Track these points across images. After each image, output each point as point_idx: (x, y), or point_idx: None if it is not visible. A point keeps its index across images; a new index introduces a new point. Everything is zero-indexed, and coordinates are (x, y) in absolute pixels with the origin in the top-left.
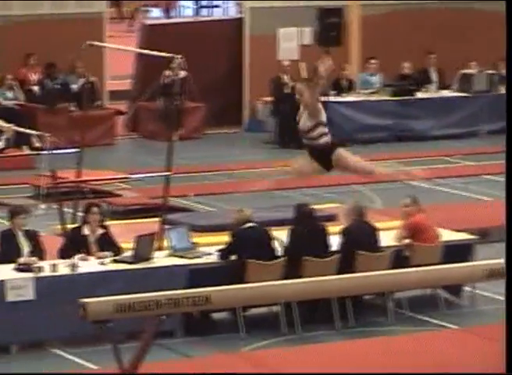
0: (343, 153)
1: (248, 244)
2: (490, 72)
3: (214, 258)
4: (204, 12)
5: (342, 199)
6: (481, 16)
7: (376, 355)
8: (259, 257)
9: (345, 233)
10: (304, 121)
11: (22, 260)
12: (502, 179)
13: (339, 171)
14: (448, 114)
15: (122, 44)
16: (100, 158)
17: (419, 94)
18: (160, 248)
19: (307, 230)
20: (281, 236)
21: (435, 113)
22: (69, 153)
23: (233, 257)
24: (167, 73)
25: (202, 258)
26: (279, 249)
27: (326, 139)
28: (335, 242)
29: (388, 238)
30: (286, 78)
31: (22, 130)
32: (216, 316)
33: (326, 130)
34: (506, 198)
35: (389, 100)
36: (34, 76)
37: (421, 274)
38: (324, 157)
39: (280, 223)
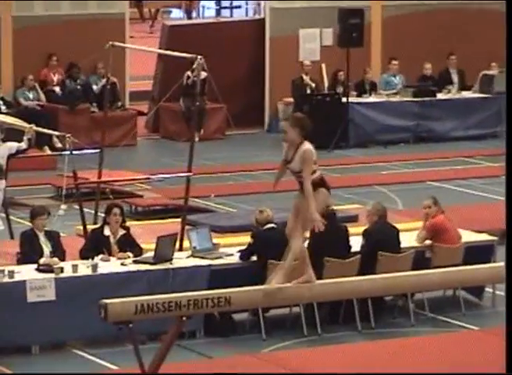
0: (321, 195)
1: (269, 245)
2: None
3: (235, 259)
4: (226, 12)
5: (363, 200)
6: (503, 17)
7: (397, 355)
8: (280, 258)
9: (366, 235)
10: (294, 164)
11: (42, 261)
12: None
13: None
14: (469, 115)
15: (143, 45)
16: (121, 158)
17: (440, 95)
18: (181, 249)
19: (328, 230)
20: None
21: (456, 114)
22: (90, 154)
23: (254, 258)
24: (188, 73)
25: (223, 258)
26: None
27: (316, 175)
28: (356, 243)
29: (409, 239)
30: (307, 79)
31: (43, 130)
32: (237, 316)
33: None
34: (506, 198)
35: (410, 101)
36: (56, 77)
37: (443, 275)
38: None
39: None
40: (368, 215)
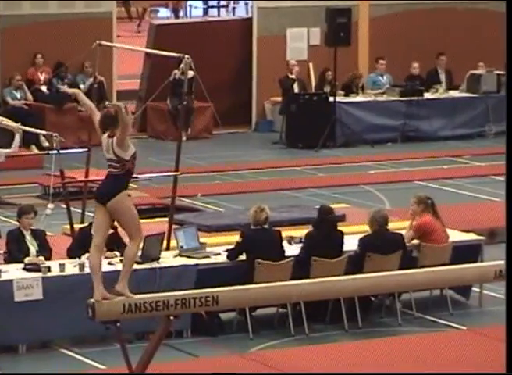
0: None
1: (257, 245)
2: (498, 72)
3: (222, 258)
4: (213, 12)
5: (350, 199)
6: (491, 16)
7: (384, 355)
8: (268, 258)
9: (359, 242)
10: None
11: (28, 260)
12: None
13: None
14: (456, 114)
15: (130, 44)
16: None
17: (427, 95)
18: (168, 248)
19: (325, 235)
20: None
21: (443, 114)
22: (78, 153)
23: (242, 257)
24: (175, 72)
25: (210, 258)
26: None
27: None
28: (345, 243)
29: None
30: (292, 76)
31: (30, 129)
32: (224, 316)
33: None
34: (506, 198)
35: (397, 100)
36: (43, 76)
37: (430, 275)
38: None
39: (289, 223)
40: (368, 223)
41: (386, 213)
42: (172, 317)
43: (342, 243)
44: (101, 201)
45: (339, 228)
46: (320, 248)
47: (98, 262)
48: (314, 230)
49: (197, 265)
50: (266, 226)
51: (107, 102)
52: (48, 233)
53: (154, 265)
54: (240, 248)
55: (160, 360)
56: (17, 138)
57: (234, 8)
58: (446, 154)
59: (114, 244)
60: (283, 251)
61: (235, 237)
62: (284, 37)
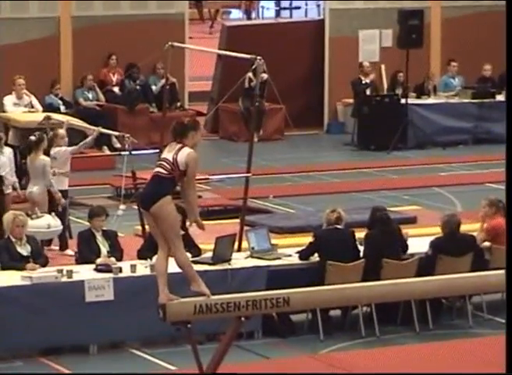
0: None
1: (330, 244)
2: None
3: (293, 259)
4: (285, 13)
5: (421, 201)
6: None
7: (455, 357)
8: (342, 257)
9: (433, 246)
10: None
11: (99, 261)
12: None
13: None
14: None
15: (202, 45)
16: None
17: (499, 97)
18: (239, 250)
19: (382, 233)
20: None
21: None
22: (149, 154)
23: (313, 258)
24: (250, 75)
25: (281, 259)
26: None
27: None
28: (415, 245)
29: None
30: (366, 80)
31: (102, 130)
32: (295, 317)
33: None
34: (507, 201)
35: (469, 102)
36: (115, 77)
37: (501, 277)
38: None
39: (359, 225)
40: (441, 227)
41: (460, 218)
42: (243, 318)
43: (401, 237)
44: (144, 206)
45: (408, 229)
46: (382, 246)
47: (164, 266)
48: (371, 231)
49: (268, 266)
50: (339, 226)
51: None
52: (119, 234)
53: (226, 266)
54: (312, 248)
55: (231, 361)
56: (91, 137)
57: (308, 9)
58: None
59: (184, 245)
60: (358, 251)
61: (306, 239)
62: (356, 39)
